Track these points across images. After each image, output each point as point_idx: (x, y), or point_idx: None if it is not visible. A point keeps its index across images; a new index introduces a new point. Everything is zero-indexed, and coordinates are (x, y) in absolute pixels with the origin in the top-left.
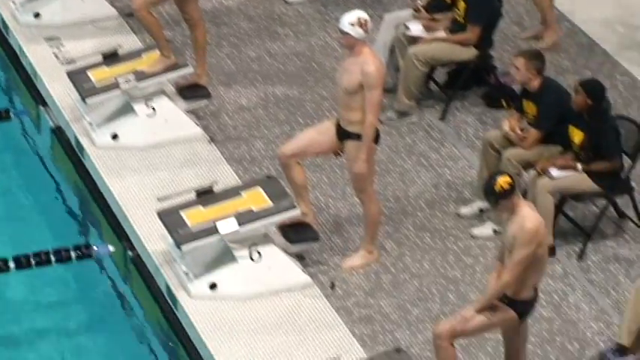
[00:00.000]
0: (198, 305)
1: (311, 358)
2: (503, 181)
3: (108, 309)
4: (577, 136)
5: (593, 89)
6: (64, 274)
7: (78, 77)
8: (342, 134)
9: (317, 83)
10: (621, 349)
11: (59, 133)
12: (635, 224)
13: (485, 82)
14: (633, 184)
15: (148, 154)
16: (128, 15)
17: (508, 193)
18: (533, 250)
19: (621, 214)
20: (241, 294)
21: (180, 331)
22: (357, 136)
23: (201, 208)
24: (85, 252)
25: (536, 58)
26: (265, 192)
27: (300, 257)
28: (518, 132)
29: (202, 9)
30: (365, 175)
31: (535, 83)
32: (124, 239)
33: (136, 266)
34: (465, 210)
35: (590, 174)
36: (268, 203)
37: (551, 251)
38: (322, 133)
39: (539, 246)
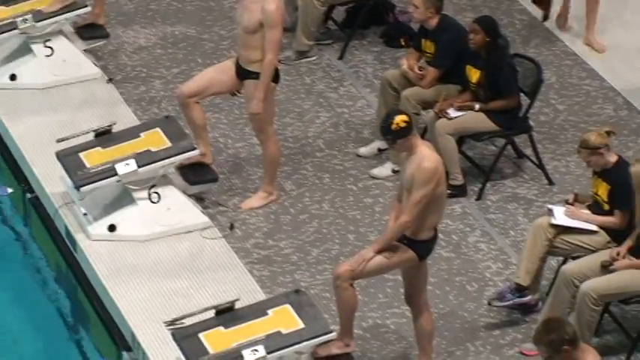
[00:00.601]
0: (97, 247)
1: (210, 299)
2: (400, 119)
3: (6, 252)
4: (474, 74)
5: (489, 25)
6: None
7: None
8: (242, 73)
9: (215, 22)
10: (519, 289)
11: None
12: (534, 163)
13: (383, 20)
14: (532, 123)
15: (46, 95)
16: None
17: (405, 131)
18: (431, 190)
19: (520, 154)
20: (140, 236)
21: (79, 274)
22: (257, 76)
23: (100, 149)
24: None
25: None
26: (164, 132)
27: (199, 198)
28: (417, 71)
29: None
30: (263, 115)
31: (433, 22)
32: (23, 181)
33: (35, 208)
34: (364, 150)
35: (488, 113)
36: (167, 144)
37: (462, 191)
38: (222, 72)
39: (437, 185)
